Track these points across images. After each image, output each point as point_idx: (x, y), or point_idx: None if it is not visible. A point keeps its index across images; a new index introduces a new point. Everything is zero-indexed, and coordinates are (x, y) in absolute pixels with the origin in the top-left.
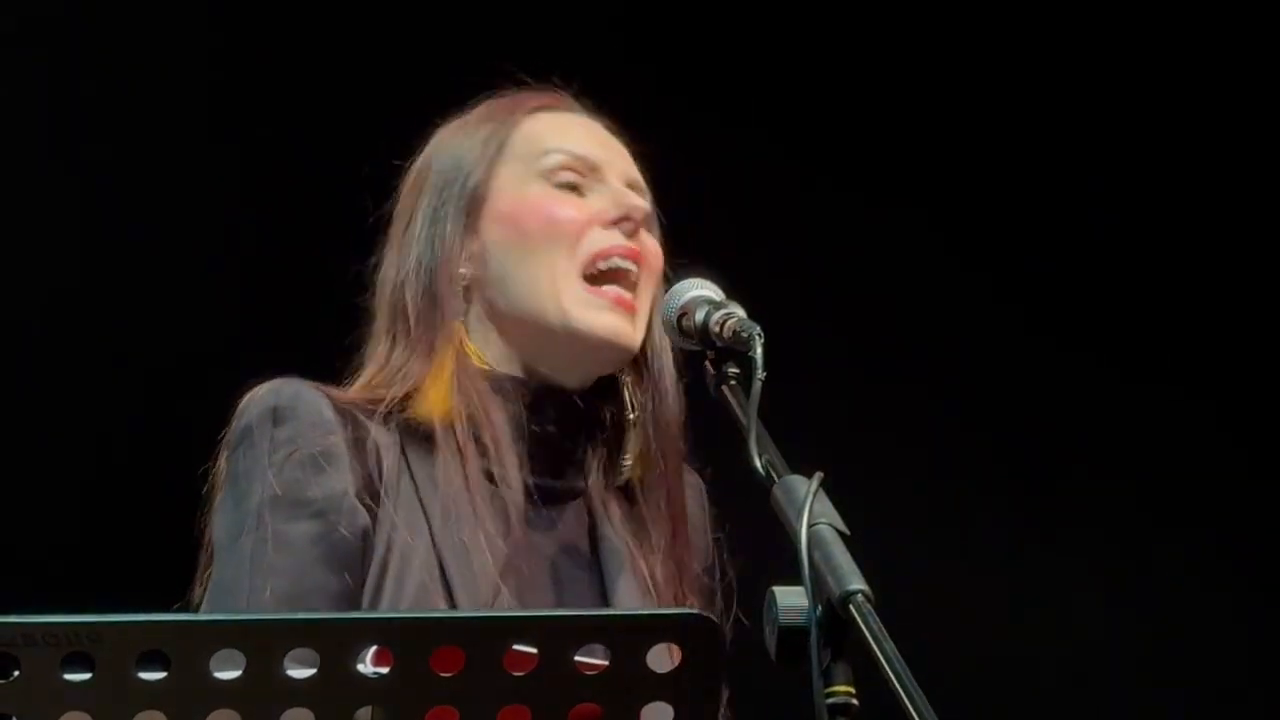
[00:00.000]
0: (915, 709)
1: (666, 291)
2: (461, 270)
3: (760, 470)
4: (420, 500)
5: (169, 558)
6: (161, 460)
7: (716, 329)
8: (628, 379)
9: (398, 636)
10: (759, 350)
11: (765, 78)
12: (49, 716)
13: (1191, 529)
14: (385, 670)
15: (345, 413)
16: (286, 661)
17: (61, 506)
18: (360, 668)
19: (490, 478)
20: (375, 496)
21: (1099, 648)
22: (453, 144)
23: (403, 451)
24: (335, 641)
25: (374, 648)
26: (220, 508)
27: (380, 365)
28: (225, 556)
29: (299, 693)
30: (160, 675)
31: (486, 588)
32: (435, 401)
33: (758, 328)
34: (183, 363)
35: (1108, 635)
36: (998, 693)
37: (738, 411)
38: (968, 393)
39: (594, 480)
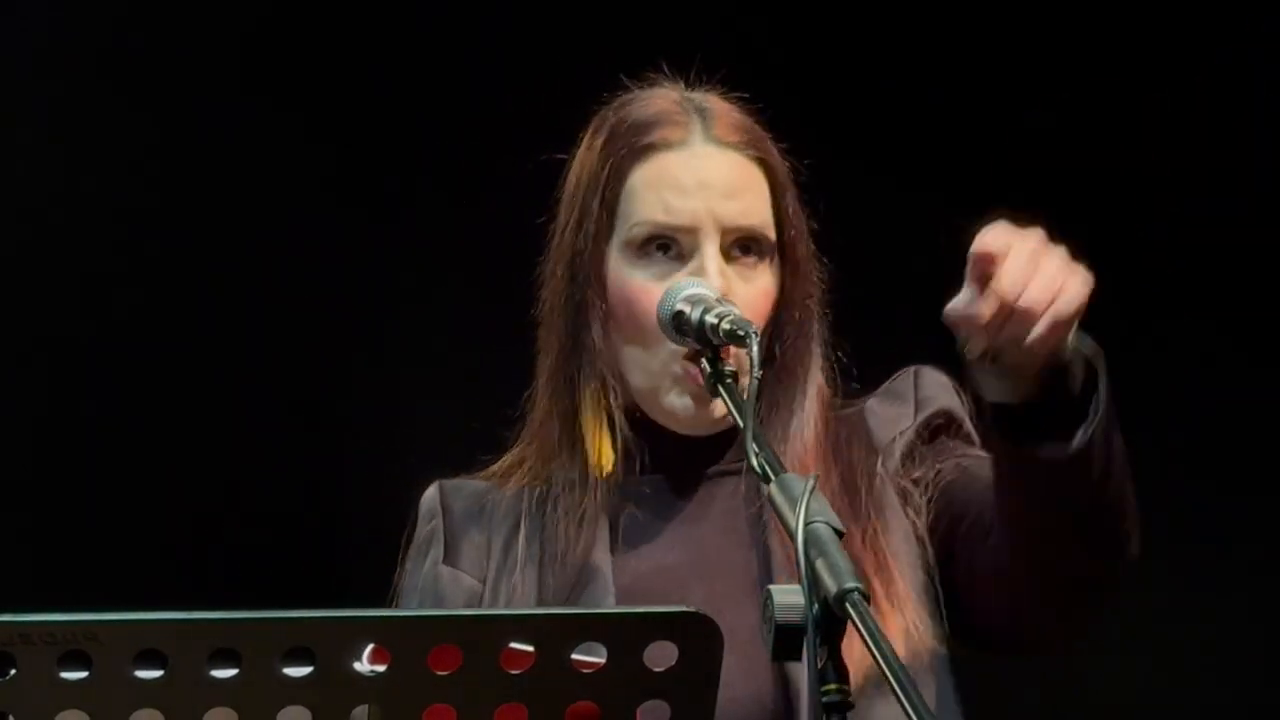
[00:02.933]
0: (911, 706)
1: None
2: (595, 331)
3: (756, 468)
4: (542, 547)
5: (167, 557)
6: (160, 460)
7: (712, 327)
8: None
9: (395, 635)
10: (754, 348)
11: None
12: (46, 715)
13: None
14: (382, 668)
15: (457, 493)
16: (283, 660)
17: (61, 505)
18: (357, 666)
19: (620, 491)
20: (487, 552)
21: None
22: (579, 195)
23: (527, 494)
24: (332, 640)
25: (371, 646)
26: None
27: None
28: None
29: (296, 691)
30: (157, 674)
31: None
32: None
33: (753, 325)
34: (187, 360)
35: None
36: (996, 690)
37: (733, 410)
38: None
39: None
